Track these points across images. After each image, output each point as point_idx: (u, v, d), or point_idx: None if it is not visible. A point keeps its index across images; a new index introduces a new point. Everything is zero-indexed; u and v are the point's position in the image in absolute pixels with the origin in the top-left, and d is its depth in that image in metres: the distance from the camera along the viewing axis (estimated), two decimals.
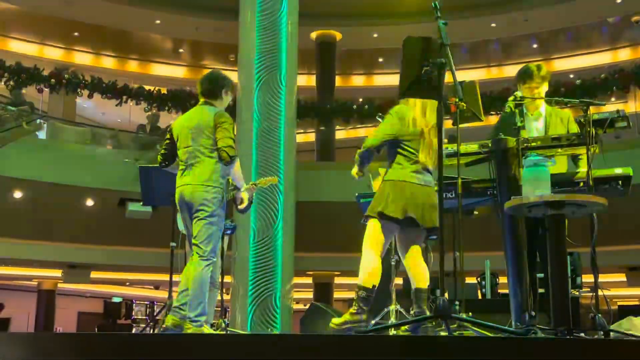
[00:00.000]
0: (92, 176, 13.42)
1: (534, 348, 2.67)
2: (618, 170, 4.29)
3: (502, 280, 9.36)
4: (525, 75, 4.89)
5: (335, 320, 4.48)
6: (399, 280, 8.28)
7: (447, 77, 3.95)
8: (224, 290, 6.73)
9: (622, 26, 17.62)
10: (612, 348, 2.77)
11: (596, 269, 4.01)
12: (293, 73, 10.83)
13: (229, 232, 6.45)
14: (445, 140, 4.28)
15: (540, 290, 4.87)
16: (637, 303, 20.20)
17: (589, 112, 4.14)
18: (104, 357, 3.56)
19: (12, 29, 17.72)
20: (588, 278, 9.40)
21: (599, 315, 3.84)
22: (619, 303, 18.65)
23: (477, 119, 4.56)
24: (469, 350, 2.69)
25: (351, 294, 18.51)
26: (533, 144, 4.31)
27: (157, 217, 11.78)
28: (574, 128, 4.73)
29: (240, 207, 5.44)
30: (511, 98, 4.64)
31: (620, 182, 4.29)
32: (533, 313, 4.11)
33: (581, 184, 4.27)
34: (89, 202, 14.05)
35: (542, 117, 4.90)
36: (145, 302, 24.82)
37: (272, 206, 9.98)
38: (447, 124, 4.31)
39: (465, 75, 17.41)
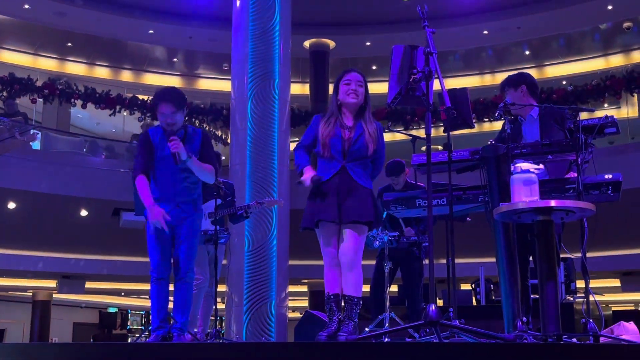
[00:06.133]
0: (86, 186, 13.39)
1: (521, 353, 2.69)
2: (608, 176, 4.30)
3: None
4: None
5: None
6: (394, 288, 8.28)
7: (436, 85, 3.97)
8: (219, 300, 6.72)
9: (613, 32, 17.72)
10: (601, 352, 2.78)
11: (587, 275, 4.03)
12: (286, 82, 10.85)
13: (222, 241, 6.45)
14: (440, 148, 4.31)
15: (534, 296, 4.90)
16: (632, 308, 20.27)
17: (578, 119, 4.16)
18: None
19: (5, 39, 17.71)
20: (583, 284, 9.44)
21: (590, 320, 3.85)
22: (613, 308, 18.71)
23: (467, 126, 4.60)
24: (457, 356, 2.71)
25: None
26: (524, 150, 4.33)
27: None
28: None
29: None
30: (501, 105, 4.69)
31: (610, 187, 4.29)
32: (525, 319, 4.12)
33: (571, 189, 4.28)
34: (83, 212, 14.02)
35: (534, 120, 4.95)
36: (141, 312, 24.82)
37: (267, 215, 9.97)
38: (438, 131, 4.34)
39: (458, 82, 17.49)
